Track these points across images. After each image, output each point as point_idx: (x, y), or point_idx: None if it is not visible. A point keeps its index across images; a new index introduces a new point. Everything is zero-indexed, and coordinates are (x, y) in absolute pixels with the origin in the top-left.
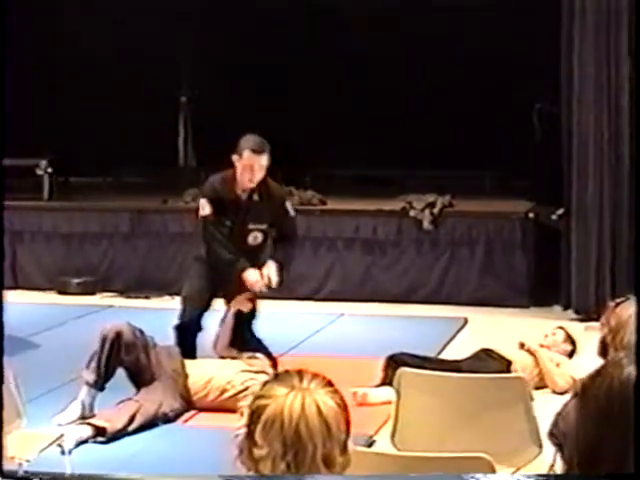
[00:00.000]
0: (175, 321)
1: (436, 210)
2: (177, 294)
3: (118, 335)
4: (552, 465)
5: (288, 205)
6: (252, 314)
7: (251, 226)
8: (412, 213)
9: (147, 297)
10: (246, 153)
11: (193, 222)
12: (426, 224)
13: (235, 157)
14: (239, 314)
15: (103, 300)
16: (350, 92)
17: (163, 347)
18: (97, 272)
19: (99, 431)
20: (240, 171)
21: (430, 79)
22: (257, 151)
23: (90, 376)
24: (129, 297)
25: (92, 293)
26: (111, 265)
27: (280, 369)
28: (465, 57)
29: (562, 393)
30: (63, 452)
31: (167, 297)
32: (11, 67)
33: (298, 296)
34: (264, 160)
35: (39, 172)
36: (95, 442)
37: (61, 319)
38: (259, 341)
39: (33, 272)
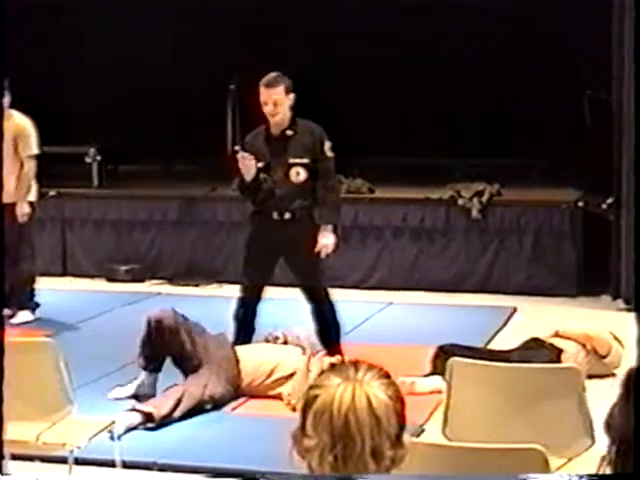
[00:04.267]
0: (227, 306)
1: (484, 199)
2: (226, 282)
3: (159, 320)
4: (605, 457)
5: (327, 144)
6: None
7: (291, 160)
8: (460, 202)
9: (196, 285)
10: (261, 89)
11: (242, 209)
12: (474, 213)
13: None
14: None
15: (151, 287)
16: (399, 82)
17: (213, 335)
18: (146, 259)
19: (147, 417)
20: (263, 109)
21: (480, 68)
22: (268, 85)
23: (140, 361)
24: (177, 285)
25: (141, 280)
26: (160, 253)
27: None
28: (514, 46)
29: (605, 356)
30: (112, 438)
31: (215, 285)
32: (60, 57)
33: (346, 285)
34: (277, 93)
35: (88, 160)
36: (144, 429)
37: (110, 306)
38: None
39: (82, 259)
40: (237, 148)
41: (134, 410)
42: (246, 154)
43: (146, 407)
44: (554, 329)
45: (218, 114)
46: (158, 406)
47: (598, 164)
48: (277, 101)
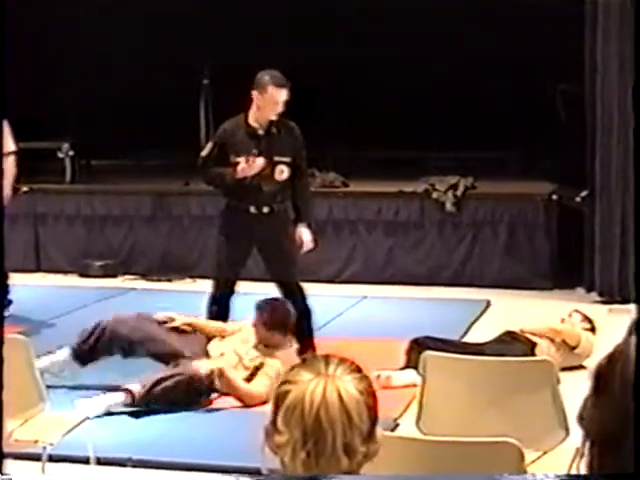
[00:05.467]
0: (200, 300)
1: (459, 192)
2: (199, 277)
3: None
4: (579, 449)
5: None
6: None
7: (276, 158)
8: (435, 195)
9: (169, 280)
10: (271, 88)
11: (215, 204)
12: (449, 206)
13: (255, 93)
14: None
15: (125, 283)
16: (372, 75)
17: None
18: (119, 255)
19: (131, 395)
20: (262, 106)
21: (453, 61)
22: (282, 85)
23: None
24: (151, 280)
25: (114, 276)
26: (133, 248)
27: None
28: (488, 38)
29: (575, 347)
30: (88, 418)
31: (189, 280)
32: (33, 51)
33: (320, 279)
34: (286, 94)
35: (61, 155)
36: (124, 413)
37: (83, 302)
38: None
39: (55, 255)
40: (241, 160)
41: (121, 390)
42: (256, 159)
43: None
44: (529, 322)
45: (191, 109)
46: (141, 385)
47: (572, 157)
48: (284, 102)
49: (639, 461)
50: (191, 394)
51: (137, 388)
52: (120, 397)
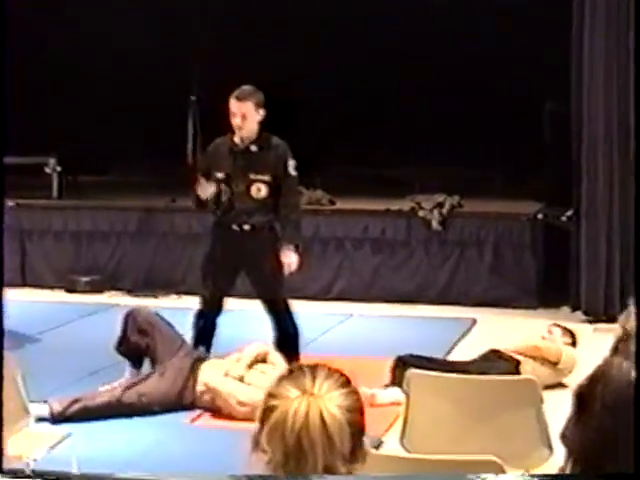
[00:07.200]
0: (186, 317)
1: (445, 210)
2: (185, 293)
3: (132, 315)
4: (563, 468)
5: (290, 163)
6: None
7: (252, 176)
8: (421, 213)
9: (155, 296)
10: (231, 100)
11: (201, 221)
12: (435, 224)
13: None
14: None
15: (111, 299)
16: (359, 92)
17: (182, 344)
18: (105, 271)
19: (51, 412)
20: (231, 120)
21: (439, 78)
22: (239, 98)
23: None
24: (137, 296)
25: (100, 292)
26: (119, 264)
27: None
28: (474, 56)
29: (557, 362)
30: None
31: (174, 296)
32: (20, 65)
33: (307, 296)
34: (247, 107)
35: (48, 171)
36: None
37: (69, 317)
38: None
39: (42, 270)
40: (199, 171)
41: (45, 402)
42: (206, 183)
43: (54, 403)
44: (514, 341)
45: (178, 125)
46: (62, 404)
47: (558, 176)
48: (245, 114)
49: (639, 462)
50: (110, 416)
51: (55, 405)
52: (43, 410)
